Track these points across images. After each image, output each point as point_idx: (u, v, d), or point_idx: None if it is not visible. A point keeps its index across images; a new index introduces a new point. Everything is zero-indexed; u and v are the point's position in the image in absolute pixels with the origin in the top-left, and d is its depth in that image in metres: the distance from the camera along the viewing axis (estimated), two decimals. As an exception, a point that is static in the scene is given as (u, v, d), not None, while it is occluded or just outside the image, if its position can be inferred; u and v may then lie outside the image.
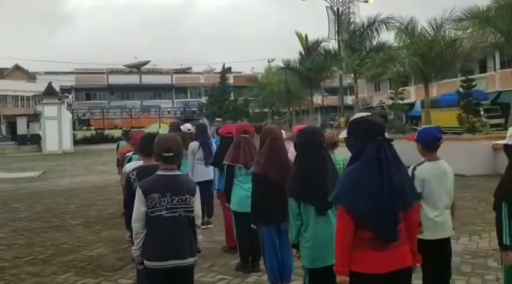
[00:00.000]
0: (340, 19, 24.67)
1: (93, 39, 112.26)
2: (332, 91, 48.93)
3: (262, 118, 42.45)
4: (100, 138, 37.21)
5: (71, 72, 58.63)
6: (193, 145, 7.50)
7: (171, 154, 3.16)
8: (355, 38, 25.72)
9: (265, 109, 43.98)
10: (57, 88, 37.01)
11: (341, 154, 5.28)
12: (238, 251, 5.34)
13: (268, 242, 4.39)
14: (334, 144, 5.20)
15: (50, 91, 35.32)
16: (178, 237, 3.13)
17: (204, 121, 46.16)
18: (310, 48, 32.45)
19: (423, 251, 3.95)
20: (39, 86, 37.58)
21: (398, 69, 20.70)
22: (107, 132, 39.37)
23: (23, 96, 47.81)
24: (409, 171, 3.95)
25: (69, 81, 55.36)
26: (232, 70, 63.26)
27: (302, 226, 3.42)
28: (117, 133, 39.81)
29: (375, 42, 26.12)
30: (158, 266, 3.13)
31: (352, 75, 27.42)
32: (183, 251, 3.15)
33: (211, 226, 7.37)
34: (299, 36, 32.25)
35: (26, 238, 7.34)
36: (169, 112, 53.37)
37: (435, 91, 35.86)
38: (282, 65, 32.94)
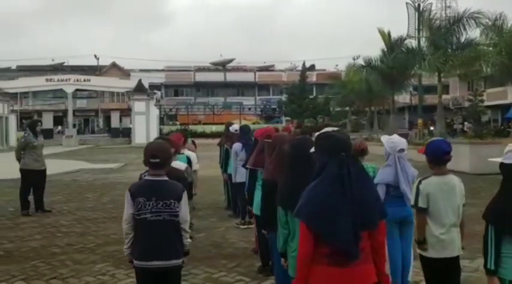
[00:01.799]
0: (422, 15, 23.42)
1: (185, 37, 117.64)
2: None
3: (341, 117, 41.83)
4: (184, 134, 39.00)
5: (162, 70, 62.04)
6: (236, 146, 7.67)
7: (157, 160, 3.33)
8: (439, 35, 24.33)
9: (346, 108, 43.15)
10: (148, 86, 39.27)
11: (373, 162, 5.17)
12: (259, 254, 5.43)
13: (276, 248, 4.40)
14: (363, 151, 5.09)
15: (139, 88, 37.80)
16: (161, 239, 3.29)
17: (283, 119, 46.51)
18: (393, 46, 31.21)
19: (427, 269, 3.80)
20: (133, 83, 40.19)
21: (480, 68, 19.30)
22: (190, 127, 41.15)
23: (118, 92, 51.43)
24: (415, 184, 3.80)
25: (160, 78, 58.53)
26: (317, 67, 62.83)
27: (289, 235, 3.43)
28: (199, 128, 41.60)
29: (462, 39, 24.56)
30: (143, 265, 3.32)
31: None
32: (166, 253, 3.30)
33: (253, 226, 7.47)
34: (381, 33, 31.16)
35: (83, 226, 7.97)
36: (249, 109, 54.44)
37: (534, 91, 32.79)
38: (363, 63, 32.12)
